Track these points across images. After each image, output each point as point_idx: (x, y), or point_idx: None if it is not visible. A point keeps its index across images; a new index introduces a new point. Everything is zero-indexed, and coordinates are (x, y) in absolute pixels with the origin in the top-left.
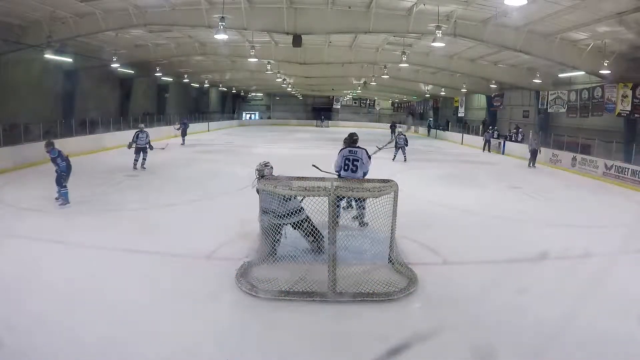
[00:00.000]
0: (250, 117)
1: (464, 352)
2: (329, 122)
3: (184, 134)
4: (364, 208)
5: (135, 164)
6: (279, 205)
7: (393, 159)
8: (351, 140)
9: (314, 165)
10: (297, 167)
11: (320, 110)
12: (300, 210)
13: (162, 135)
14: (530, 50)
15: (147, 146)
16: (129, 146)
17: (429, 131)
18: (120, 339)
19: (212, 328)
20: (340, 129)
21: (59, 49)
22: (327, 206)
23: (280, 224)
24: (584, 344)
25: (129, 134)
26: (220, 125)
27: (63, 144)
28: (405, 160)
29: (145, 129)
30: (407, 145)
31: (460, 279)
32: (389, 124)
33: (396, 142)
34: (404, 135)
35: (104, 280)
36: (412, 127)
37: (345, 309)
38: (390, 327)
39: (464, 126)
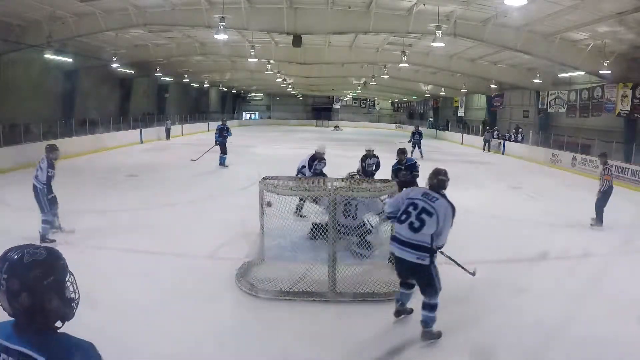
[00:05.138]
0: (250, 117)
1: (464, 352)
2: (329, 122)
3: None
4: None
5: None
6: (346, 219)
7: None
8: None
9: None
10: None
11: (320, 110)
12: (363, 225)
13: (161, 136)
14: (530, 50)
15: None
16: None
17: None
18: (120, 338)
19: (212, 328)
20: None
21: (59, 49)
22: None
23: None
24: (584, 344)
25: (128, 134)
26: None
27: (63, 144)
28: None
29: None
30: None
31: (460, 279)
32: (412, 131)
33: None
34: (377, 159)
35: (103, 281)
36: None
37: (345, 309)
38: (390, 327)
39: (464, 126)
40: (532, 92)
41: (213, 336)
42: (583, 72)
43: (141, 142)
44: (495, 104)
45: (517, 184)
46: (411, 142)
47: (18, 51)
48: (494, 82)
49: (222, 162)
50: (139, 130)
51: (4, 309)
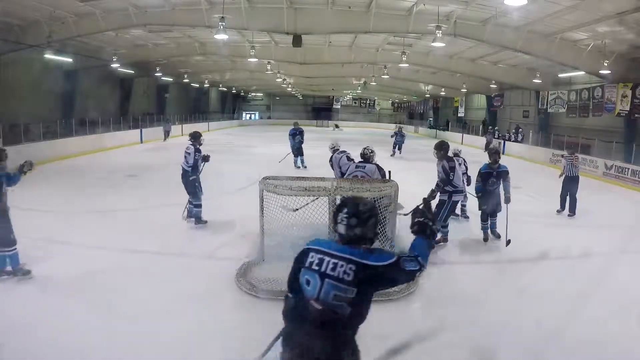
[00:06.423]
0: (250, 117)
1: (464, 352)
2: (329, 121)
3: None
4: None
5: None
6: None
7: None
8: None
9: None
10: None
11: (320, 110)
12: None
13: (159, 136)
14: (530, 50)
15: None
16: None
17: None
18: (121, 339)
19: (212, 328)
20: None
21: (58, 49)
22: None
23: None
24: (584, 344)
25: (128, 134)
26: (220, 125)
27: (63, 144)
28: None
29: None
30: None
31: (460, 279)
32: (395, 130)
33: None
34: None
35: (104, 281)
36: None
37: None
38: (390, 327)
39: (464, 126)
40: (532, 92)
41: (213, 336)
42: (583, 72)
43: (141, 142)
44: (495, 104)
45: (517, 184)
46: (392, 143)
47: (18, 51)
48: (494, 82)
49: (301, 163)
50: (139, 130)
51: (339, 234)
